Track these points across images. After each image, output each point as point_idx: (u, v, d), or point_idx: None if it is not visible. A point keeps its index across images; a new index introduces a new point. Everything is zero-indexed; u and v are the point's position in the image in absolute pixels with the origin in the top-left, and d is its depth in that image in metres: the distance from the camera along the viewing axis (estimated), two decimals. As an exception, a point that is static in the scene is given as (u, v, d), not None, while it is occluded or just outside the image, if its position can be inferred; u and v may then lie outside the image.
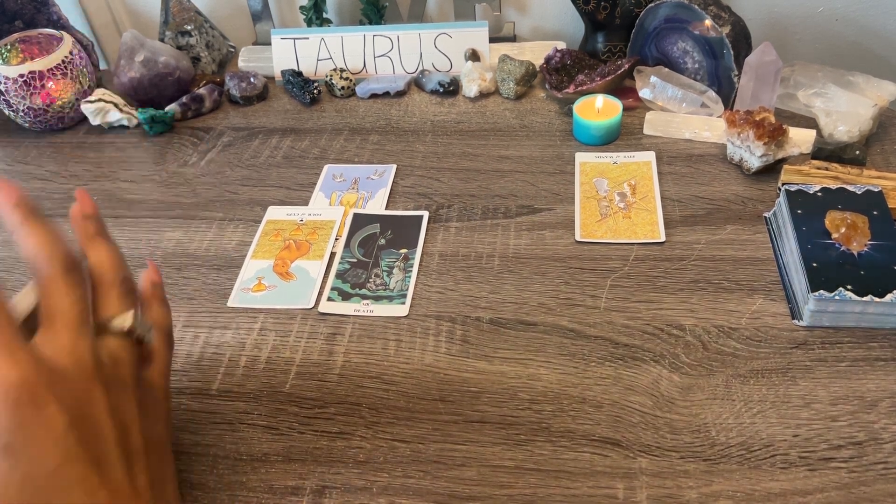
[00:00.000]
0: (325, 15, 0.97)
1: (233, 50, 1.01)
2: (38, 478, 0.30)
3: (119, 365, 0.36)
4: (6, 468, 0.29)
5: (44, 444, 0.30)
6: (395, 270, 0.62)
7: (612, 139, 0.76)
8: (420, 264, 0.63)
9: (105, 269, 0.39)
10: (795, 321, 0.54)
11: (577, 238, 0.64)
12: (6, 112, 0.86)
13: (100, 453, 0.32)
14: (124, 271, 0.39)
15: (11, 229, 0.35)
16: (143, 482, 0.34)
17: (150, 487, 0.34)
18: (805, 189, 0.60)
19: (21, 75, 0.82)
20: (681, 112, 0.77)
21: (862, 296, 0.51)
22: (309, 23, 0.97)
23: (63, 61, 0.84)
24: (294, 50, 0.91)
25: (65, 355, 0.32)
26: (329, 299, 0.60)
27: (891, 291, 0.51)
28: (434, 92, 0.87)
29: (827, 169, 0.66)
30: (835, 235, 0.55)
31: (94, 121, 0.86)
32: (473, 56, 0.87)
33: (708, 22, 0.75)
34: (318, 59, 0.91)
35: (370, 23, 0.95)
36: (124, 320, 0.37)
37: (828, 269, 0.53)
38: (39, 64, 0.82)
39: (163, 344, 0.42)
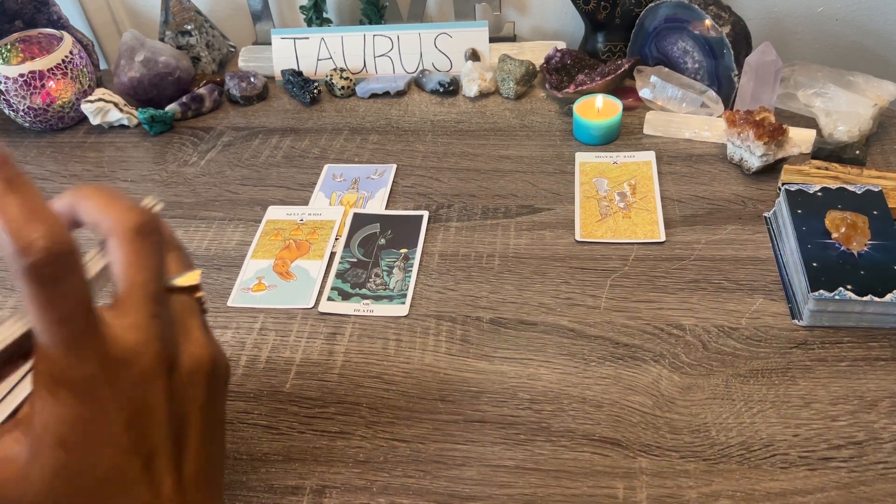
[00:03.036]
0: (325, 15, 0.97)
1: (233, 50, 1.01)
2: (87, 476, 0.29)
3: (188, 331, 0.33)
4: (58, 464, 0.28)
5: (100, 444, 0.29)
6: (395, 270, 0.62)
7: (612, 139, 0.76)
8: (420, 264, 0.63)
9: (127, 217, 0.34)
10: (795, 321, 0.54)
11: (577, 238, 0.64)
12: (6, 112, 0.86)
13: (152, 449, 0.30)
14: (148, 214, 0.35)
15: (71, 207, 0.32)
16: (190, 474, 0.32)
17: (195, 482, 0.32)
18: (805, 189, 0.60)
19: (21, 75, 0.82)
20: (681, 112, 0.77)
21: (862, 295, 0.51)
22: (309, 23, 0.97)
23: (63, 61, 0.84)
24: (294, 50, 0.91)
25: (135, 339, 0.30)
26: (329, 299, 0.60)
27: (891, 291, 0.51)
28: (434, 92, 0.87)
29: (827, 169, 0.66)
30: (835, 235, 0.55)
31: (94, 120, 0.86)
32: (473, 56, 0.87)
33: (708, 22, 0.75)
34: (318, 59, 0.91)
35: (370, 23, 0.95)
36: (192, 277, 0.34)
37: (828, 269, 0.53)
38: (39, 64, 0.82)
39: (197, 311, 0.38)
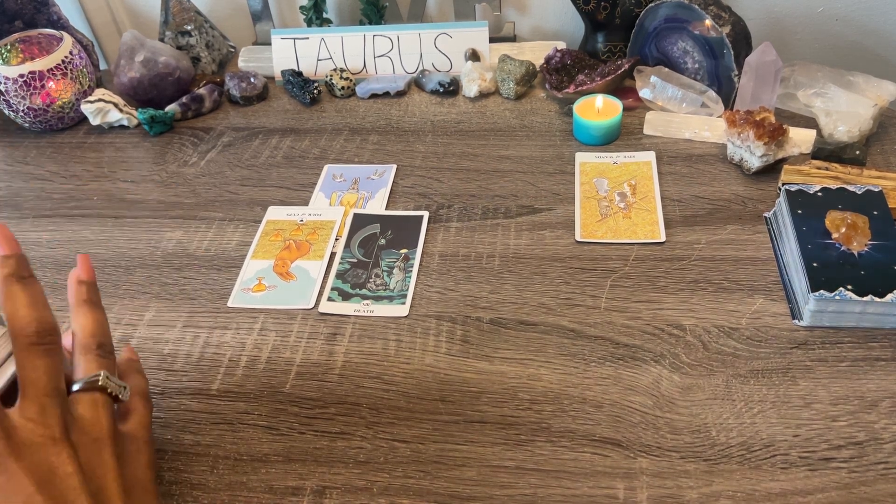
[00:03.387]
0: (325, 15, 0.97)
1: (233, 50, 1.01)
2: None
3: (92, 422, 0.39)
4: None
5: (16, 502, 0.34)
6: (396, 270, 0.62)
7: (612, 139, 0.76)
8: (420, 264, 0.63)
9: (85, 334, 0.42)
10: (795, 321, 0.54)
11: (578, 238, 0.64)
12: (6, 112, 0.86)
13: None
14: (103, 337, 0.42)
15: None
16: None
17: None
18: (805, 189, 0.60)
19: (21, 75, 0.82)
20: (681, 112, 0.77)
21: (862, 296, 0.51)
22: (309, 23, 0.97)
23: (63, 61, 0.84)
24: (294, 50, 0.91)
25: (34, 424, 0.36)
26: (329, 299, 0.60)
27: (891, 291, 0.51)
28: (434, 92, 0.87)
29: (827, 169, 0.66)
30: (835, 235, 0.55)
31: (94, 121, 0.86)
32: (473, 56, 0.87)
33: (708, 22, 0.75)
34: (318, 59, 0.91)
35: (370, 23, 0.95)
36: (91, 382, 0.40)
37: (828, 269, 0.53)
38: (39, 64, 0.82)
39: (140, 403, 0.45)
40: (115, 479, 0.38)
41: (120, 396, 0.41)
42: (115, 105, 0.85)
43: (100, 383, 0.40)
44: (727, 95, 0.77)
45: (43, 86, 0.83)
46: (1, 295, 0.38)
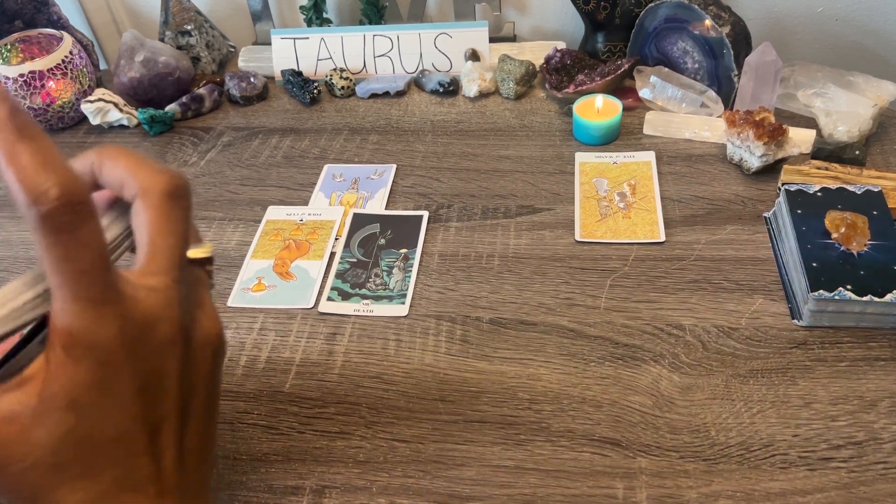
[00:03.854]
0: (325, 15, 0.97)
1: (233, 50, 1.01)
2: (94, 441, 0.28)
3: (202, 303, 0.33)
4: (66, 427, 0.28)
5: (110, 410, 0.28)
6: (395, 270, 0.62)
7: (612, 139, 0.76)
8: (420, 264, 0.63)
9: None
10: (795, 321, 0.54)
11: (577, 238, 0.64)
12: (6, 112, 0.86)
13: (160, 419, 0.30)
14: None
15: (94, 165, 0.31)
16: (192, 446, 0.32)
17: (194, 454, 0.32)
18: (805, 189, 0.60)
19: (21, 75, 0.82)
20: (681, 112, 0.77)
21: (862, 296, 0.51)
22: (309, 23, 0.97)
23: (63, 61, 0.84)
24: (294, 50, 0.91)
25: (159, 300, 0.29)
26: (329, 299, 0.60)
27: (890, 291, 0.51)
28: (434, 92, 0.87)
29: (827, 169, 0.66)
30: (835, 235, 0.55)
31: (94, 121, 0.86)
32: (473, 56, 0.87)
33: (708, 22, 0.75)
34: (318, 59, 0.91)
35: (370, 23, 0.95)
36: (205, 250, 0.34)
37: (828, 269, 0.53)
38: (39, 64, 0.82)
39: None
40: (204, 387, 0.32)
41: (212, 281, 0.35)
42: (115, 105, 0.85)
43: (211, 255, 0.34)
44: (727, 95, 0.77)
45: (43, 85, 0.83)
46: (115, 154, 0.31)
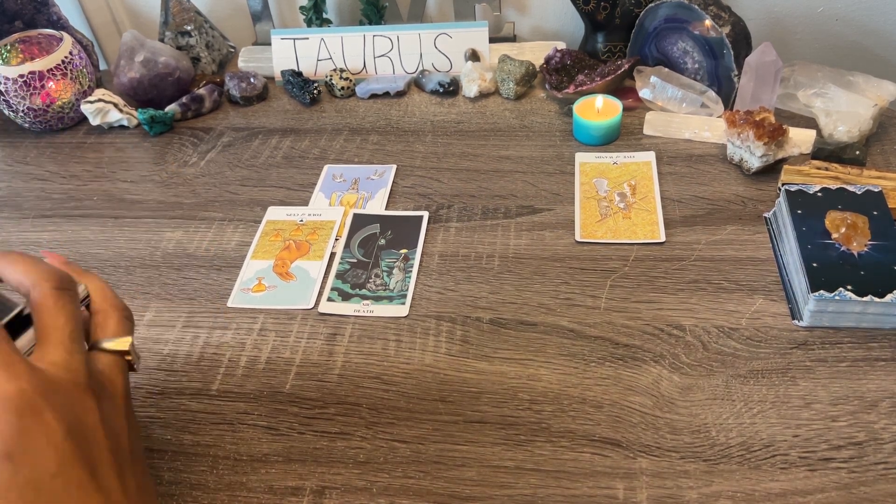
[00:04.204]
0: (325, 15, 0.97)
1: (233, 50, 1.01)
2: (38, 483, 0.31)
3: (110, 380, 0.38)
4: (8, 474, 0.30)
5: (44, 451, 0.32)
6: (395, 270, 0.62)
7: (612, 139, 0.76)
8: (420, 264, 0.63)
9: (106, 295, 0.42)
10: (795, 321, 0.54)
11: (577, 238, 0.64)
12: (6, 112, 0.86)
13: (95, 460, 0.33)
14: (122, 301, 0.42)
15: None
16: (132, 487, 0.35)
17: (138, 492, 0.36)
18: (805, 189, 0.60)
19: (21, 75, 0.82)
20: (681, 112, 0.77)
21: (862, 296, 0.51)
22: (309, 23, 0.97)
23: (63, 61, 0.84)
24: (294, 50, 0.91)
25: (59, 369, 0.34)
26: (329, 299, 0.60)
27: (891, 291, 0.51)
28: (434, 92, 0.87)
29: (827, 169, 0.66)
30: (835, 235, 0.55)
31: (94, 121, 0.86)
32: (473, 56, 0.87)
33: (708, 22, 0.75)
34: (318, 60, 0.91)
35: (370, 23, 0.95)
36: (123, 343, 0.40)
37: (828, 270, 0.53)
38: (39, 64, 0.82)
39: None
40: (126, 440, 0.37)
41: (135, 367, 0.41)
42: (115, 105, 0.85)
43: (126, 349, 0.39)
44: (727, 95, 0.77)
45: (43, 86, 0.83)
46: (6, 262, 0.37)
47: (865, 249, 0.54)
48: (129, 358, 0.40)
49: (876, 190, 0.59)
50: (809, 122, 0.74)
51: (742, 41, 0.76)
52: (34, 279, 0.36)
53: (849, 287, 0.51)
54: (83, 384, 0.35)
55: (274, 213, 0.70)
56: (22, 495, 0.30)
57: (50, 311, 0.36)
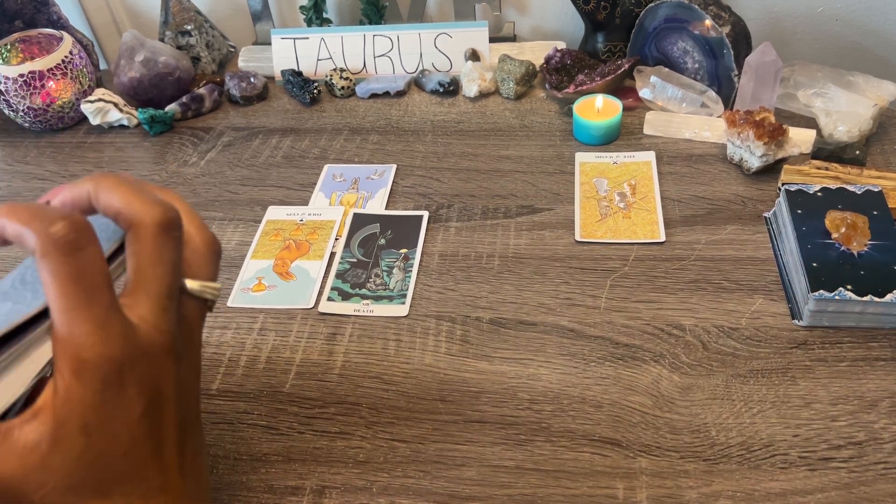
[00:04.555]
0: (325, 15, 0.97)
1: (233, 50, 1.01)
2: (106, 462, 0.30)
3: (191, 331, 0.34)
4: (80, 448, 0.29)
5: (119, 429, 0.30)
6: (395, 270, 0.62)
7: (612, 139, 0.76)
8: (420, 264, 0.63)
9: (199, 226, 0.36)
10: (795, 321, 0.54)
11: (577, 238, 0.64)
12: (6, 112, 0.86)
13: (162, 438, 0.32)
14: (212, 234, 0.36)
15: (90, 193, 0.32)
16: (189, 459, 0.33)
17: (194, 457, 0.34)
18: (805, 189, 0.60)
19: (21, 75, 0.82)
20: (681, 112, 0.77)
21: (862, 296, 0.51)
22: (309, 23, 0.97)
23: (63, 61, 0.84)
24: (294, 50, 0.91)
25: (150, 327, 0.30)
26: (329, 299, 0.60)
27: (891, 291, 0.51)
28: (434, 92, 0.87)
29: (827, 169, 0.66)
30: (835, 235, 0.55)
31: (94, 121, 0.86)
32: (473, 56, 0.87)
33: (708, 22, 0.75)
34: (318, 59, 0.91)
35: (370, 23, 0.95)
36: (212, 290, 0.35)
37: (828, 269, 0.53)
38: (39, 64, 0.82)
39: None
40: (195, 402, 0.34)
41: (211, 310, 0.36)
42: (115, 105, 0.85)
43: (211, 297, 0.35)
44: (727, 95, 0.77)
45: (43, 86, 0.83)
46: (103, 187, 0.31)
47: (865, 249, 0.54)
48: (210, 304, 0.36)
49: (876, 190, 0.59)
50: (809, 122, 0.74)
51: (742, 41, 0.76)
52: (137, 215, 0.31)
53: (849, 287, 0.51)
54: (169, 347, 0.31)
55: (274, 213, 0.70)
56: (89, 472, 0.29)
57: (151, 257, 0.31)
